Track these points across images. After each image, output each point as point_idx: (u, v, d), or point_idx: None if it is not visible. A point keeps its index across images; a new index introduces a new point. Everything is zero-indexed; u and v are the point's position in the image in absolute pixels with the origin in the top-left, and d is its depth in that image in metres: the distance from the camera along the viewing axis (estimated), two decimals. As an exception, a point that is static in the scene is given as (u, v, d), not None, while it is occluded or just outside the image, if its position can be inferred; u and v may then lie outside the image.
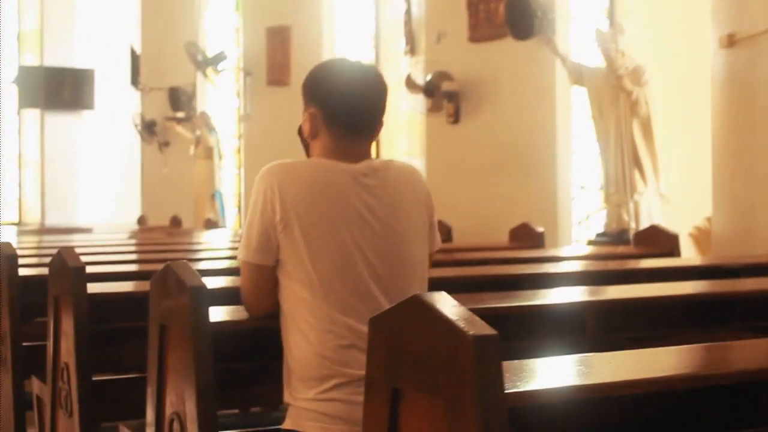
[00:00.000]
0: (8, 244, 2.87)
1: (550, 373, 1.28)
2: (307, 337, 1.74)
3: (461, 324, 1.11)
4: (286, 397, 1.80)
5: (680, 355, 1.46)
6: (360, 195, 1.79)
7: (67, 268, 2.26)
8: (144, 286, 2.53)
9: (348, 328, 1.74)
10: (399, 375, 1.21)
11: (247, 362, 1.93)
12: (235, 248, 4.95)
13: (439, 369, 1.13)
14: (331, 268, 1.74)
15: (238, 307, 1.90)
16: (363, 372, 1.70)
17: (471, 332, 1.09)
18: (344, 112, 1.81)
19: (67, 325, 2.28)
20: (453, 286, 1.90)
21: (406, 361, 1.20)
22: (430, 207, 1.91)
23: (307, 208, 1.76)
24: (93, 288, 2.30)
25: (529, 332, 2.11)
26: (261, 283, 1.81)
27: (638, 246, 4.32)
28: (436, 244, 1.95)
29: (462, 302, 2.00)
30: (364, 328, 1.72)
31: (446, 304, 1.17)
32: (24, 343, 2.74)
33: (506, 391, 1.10)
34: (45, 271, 2.45)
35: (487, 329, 1.11)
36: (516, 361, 1.29)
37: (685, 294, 2.41)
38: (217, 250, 4.77)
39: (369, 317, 1.72)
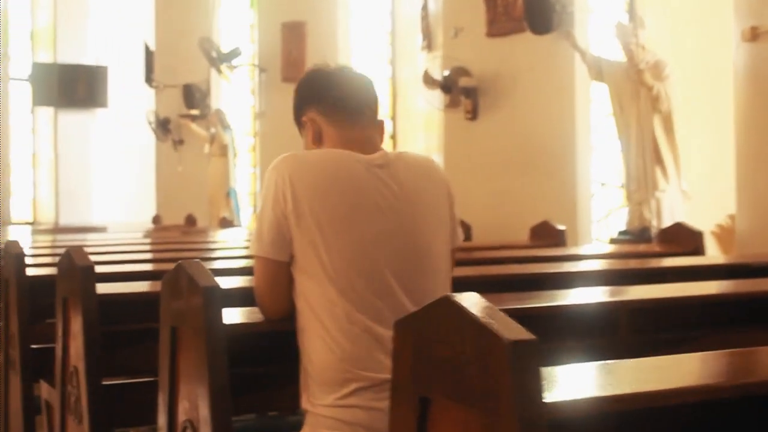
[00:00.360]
0: (15, 243, 2.81)
1: (591, 379, 1.18)
2: (323, 338, 1.65)
3: (496, 327, 1.02)
4: (304, 403, 1.71)
5: (734, 358, 1.35)
6: (375, 185, 1.71)
7: (75, 268, 2.18)
8: (156, 286, 2.46)
9: (367, 328, 1.64)
10: (427, 382, 1.12)
11: (262, 366, 1.84)
12: (241, 247, 4.92)
13: (472, 376, 1.04)
14: (347, 262, 1.65)
15: (253, 308, 1.82)
16: (384, 375, 1.63)
17: (507, 337, 1.00)
18: (338, 96, 1.79)
19: (76, 328, 2.20)
20: (474, 286, 1.81)
21: (436, 367, 1.10)
22: (450, 197, 1.82)
23: (321, 198, 1.67)
24: (103, 288, 2.22)
25: (557, 334, 2.01)
26: (276, 281, 1.71)
27: (662, 244, 4.21)
28: (458, 239, 1.85)
29: (494, 303, 1.89)
30: (384, 328, 1.64)
31: (479, 306, 1.07)
32: (34, 346, 2.67)
33: (545, 401, 1.00)
34: (55, 271, 2.38)
35: (524, 333, 1.02)
36: (552, 367, 1.19)
37: (719, 294, 2.31)
38: (232, 248, 4.69)
39: (389, 315, 1.65)
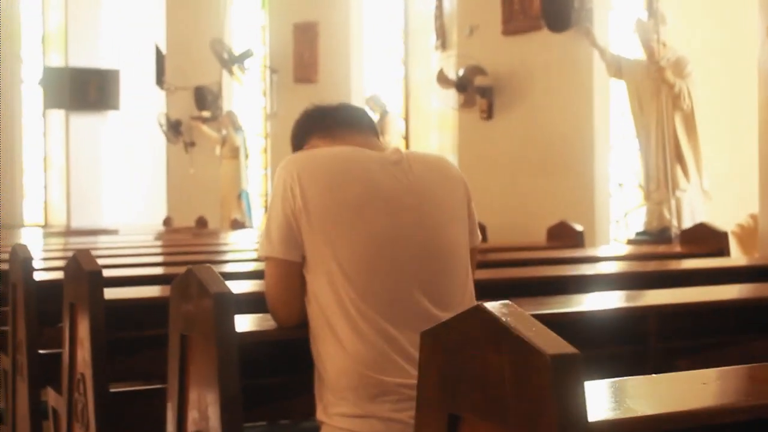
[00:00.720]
0: (23, 247, 2.73)
1: (635, 395, 1.08)
2: (337, 342, 1.56)
3: (536, 340, 0.92)
4: (319, 414, 1.62)
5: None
6: (389, 180, 1.62)
7: (82, 273, 2.10)
8: (166, 291, 2.38)
9: (382, 330, 1.55)
10: (458, 398, 1.02)
11: (275, 376, 1.75)
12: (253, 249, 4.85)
13: (509, 393, 0.95)
14: (361, 260, 1.56)
15: (265, 315, 1.73)
16: (402, 379, 1.53)
17: (548, 350, 0.91)
18: (337, 117, 1.78)
19: (83, 334, 2.12)
20: (490, 290, 1.72)
21: (467, 382, 1.01)
22: (467, 194, 1.73)
23: (332, 194, 1.58)
24: (111, 294, 2.14)
25: (582, 342, 1.91)
26: (287, 283, 1.62)
27: (685, 245, 4.11)
28: (477, 238, 1.76)
29: None
30: (400, 330, 1.54)
31: (515, 316, 0.98)
32: (42, 351, 2.59)
33: (590, 421, 0.91)
34: (57, 275, 2.31)
35: (566, 346, 0.92)
36: (593, 382, 1.09)
37: (755, 297, 2.20)
38: (243, 251, 4.62)
39: (407, 317, 1.55)
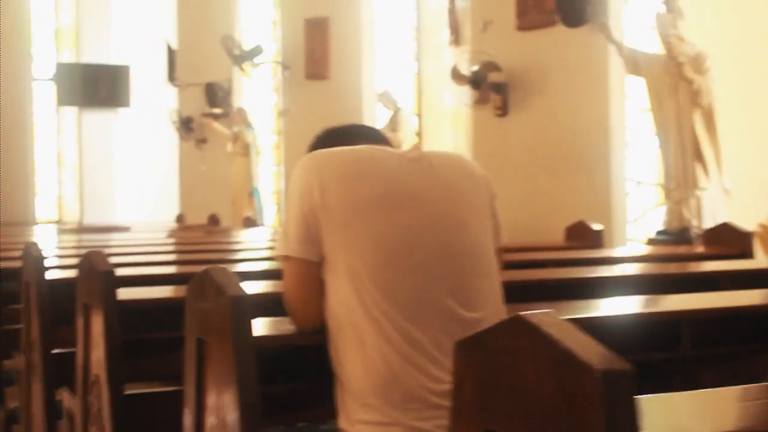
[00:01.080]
0: (35, 245, 2.70)
1: (687, 412, 1.02)
2: (358, 345, 1.50)
3: (583, 354, 0.86)
4: (342, 423, 1.56)
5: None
6: (410, 177, 1.57)
7: (96, 272, 2.06)
8: (180, 291, 2.33)
9: (406, 331, 1.49)
10: (495, 413, 0.96)
11: (295, 382, 1.69)
12: (268, 248, 4.80)
13: (551, 411, 0.88)
14: (382, 258, 1.50)
15: (283, 318, 1.67)
16: (429, 386, 1.47)
17: (598, 365, 0.84)
18: (349, 129, 1.79)
19: (97, 334, 2.08)
20: (509, 293, 1.65)
21: (505, 397, 0.95)
22: (490, 192, 1.67)
23: (351, 190, 1.53)
24: (125, 294, 2.09)
25: (611, 348, 1.84)
26: (307, 283, 1.56)
27: (707, 246, 4.02)
28: (502, 238, 1.70)
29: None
30: (427, 332, 1.48)
31: (559, 327, 0.92)
32: (56, 351, 2.55)
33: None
34: (70, 273, 2.27)
35: (617, 361, 0.86)
36: (641, 396, 1.02)
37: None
38: (256, 249, 4.57)
39: (432, 317, 1.49)
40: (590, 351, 0.87)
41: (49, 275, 2.63)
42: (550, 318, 0.93)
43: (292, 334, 1.60)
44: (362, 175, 1.55)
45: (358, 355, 1.51)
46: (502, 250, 1.72)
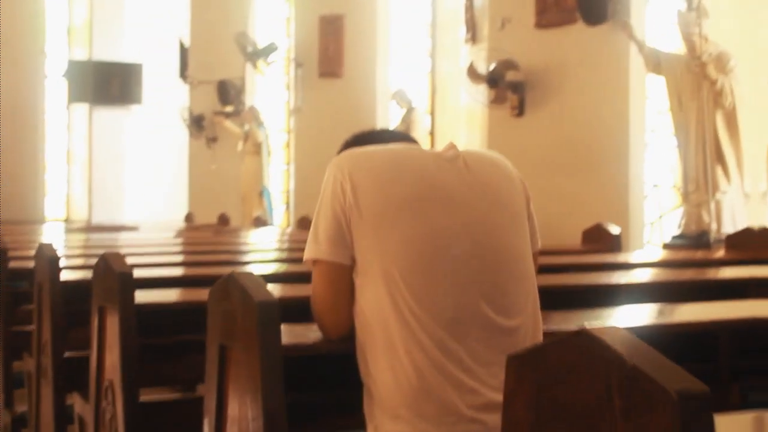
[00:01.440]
0: (49, 246, 2.63)
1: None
2: (390, 354, 1.42)
3: (657, 373, 0.78)
4: (370, 436, 1.49)
5: None
6: (445, 176, 1.50)
7: (113, 274, 1.99)
8: (197, 294, 2.27)
9: (440, 339, 1.41)
10: (552, 435, 0.88)
11: (320, 392, 1.62)
12: (287, 248, 4.73)
13: (619, 434, 0.80)
14: (415, 260, 1.43)
15: (309, 325, 1.59)
16: (462, 398, 1.39)
17: (674, 386, 0.77)
18: (377, 132, 1.75)
19: (113, 339, 2.01)
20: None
21: (564, 420, 0.87)
22: (526, 194, 1.61)
23: (386, 189, 1.46)
24: (142, 297, 2.02)
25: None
26: (336, 288, 1.48)
27: (730, 251, 3.93)
28: (538, 242, 1.62)
29: (555, 323, 1.61)
30: (462, 340, 1.41)
31: (628, 344, 0.84)
32: (67, 353, 2.49)
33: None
34: (90, 274, 2.20)
35: (693, 382, 0.78)
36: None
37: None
38: (269, 251, 4.50)
39: (467, 324, 1.41)
40: (664, 370, 0.79)
41: (63, 276, 2.57)
42: (618, 333, 0.86)
43: (320, 343, 1.53)
44: (397, 175, 1.48)
45: (389, 364, 1.43)
46: (538, 255, 1.64)
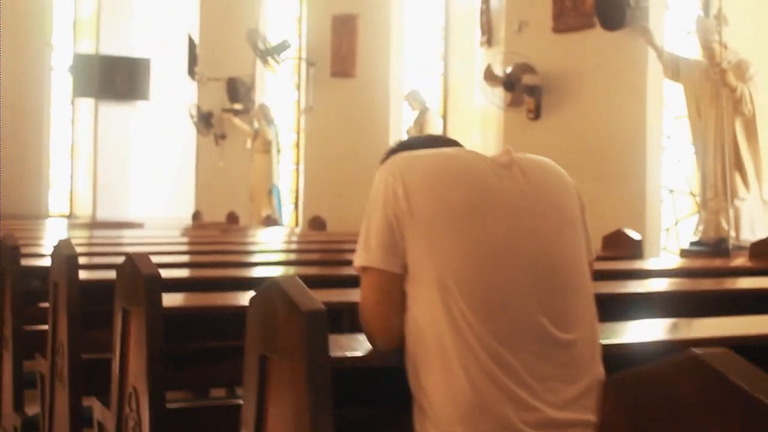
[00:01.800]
0: (67, 242, 2.56)
1: None
2: (444, 367, 1.35)
3: (786, 408, 0.71)
4: (421, 453, 1.41)
5: None
6: (501, 183, 1.44)
7: (138, 276, 1.92)
8: (227, 298, 2.21)
9: (496, 352, 1.34)
10: (653, 469, 0.81)
11: (368, 407, 1.55)
12: (295, 250, 4.66)
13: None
14: (470, 269, 1.37)
15: (355, 335, 1.52)
16: (519, 414, 1.32)
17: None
18: (423, 138, 1.76)
19: (137, 343, 1.94)
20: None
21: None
22: (581, 202, 1.54)
23: (440, 195, 1.40)
24: (170, 300, 1.95)
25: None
26: (388, 298, 1.42)
27: (753, 259, 3.86)
28: (593, 252, 1.56)
29: (605, 334, 1.52)
30: (518, 354, 1.33)
31: (743, 371, 0.77)
32: (85, 356, 2.42)
33: None
34: (101, 274, 2.13)
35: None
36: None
37: None
38: (287, 252, 4.42)
39: (523, 337, 1.34)
40: (793, 404, 0.72)
41: (82, 276, 2.49)
42: (730, 359, 0.79)
43: (370, 356, 1.45)
44: (452, 180, 1.42)
45: (443, 378, 1.36)
46: (593, 265, 1.57)
